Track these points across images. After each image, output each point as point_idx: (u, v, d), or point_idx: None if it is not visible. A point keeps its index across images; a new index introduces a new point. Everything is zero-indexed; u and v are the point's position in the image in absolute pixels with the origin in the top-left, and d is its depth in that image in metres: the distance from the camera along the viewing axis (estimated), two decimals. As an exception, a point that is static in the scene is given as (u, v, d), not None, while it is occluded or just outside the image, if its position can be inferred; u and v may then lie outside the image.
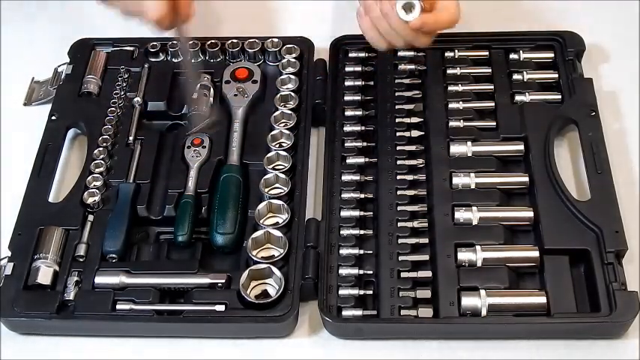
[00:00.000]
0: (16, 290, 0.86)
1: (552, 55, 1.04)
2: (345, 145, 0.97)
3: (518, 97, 1.00)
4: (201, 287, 0.86)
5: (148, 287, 0.86)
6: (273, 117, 0.99)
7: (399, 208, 0.92)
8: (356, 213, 0.92)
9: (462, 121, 0.98)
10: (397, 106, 1.00)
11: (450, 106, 1.00)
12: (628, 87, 1.04)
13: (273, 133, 0.97)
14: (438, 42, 1.04)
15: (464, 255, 0.87)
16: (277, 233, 0.89)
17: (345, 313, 0.85)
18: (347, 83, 1.03)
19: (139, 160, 0.97)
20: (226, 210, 0.91)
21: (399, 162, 0.95)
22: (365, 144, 0.98)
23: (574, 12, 1.12)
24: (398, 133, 0.98)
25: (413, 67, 1.04)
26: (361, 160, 0.96)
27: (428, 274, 0.87)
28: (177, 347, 0.86)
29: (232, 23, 1.14)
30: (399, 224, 0.90)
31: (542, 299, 0.84)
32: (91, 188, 0.94)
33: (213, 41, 1.07)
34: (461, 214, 0.90)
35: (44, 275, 0.86)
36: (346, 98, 1.02)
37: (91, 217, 0.92)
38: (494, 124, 0.98)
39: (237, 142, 0.97)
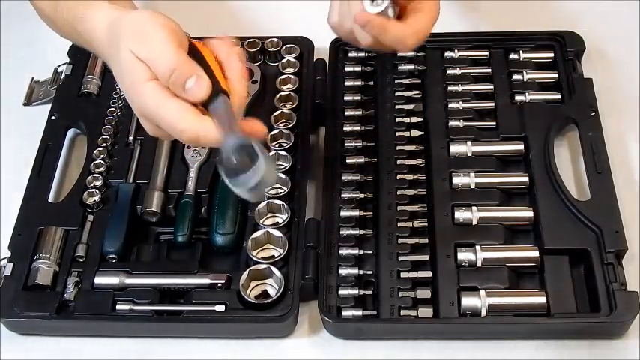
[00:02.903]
0: (16, 290, 0.86)
1: (552, 55, 1.04)
2: (345, 145, 0.97)
3: (518, 97, 1.00)
4: (201, 287, 0.86)
5: (147, 287, 0.86)
6: (273, 117, 0.99)
7: (399, 208, 0.92)
8: (356, 213, 0.92)
9: (461, 121, 0.98)
10: (397, 106, 1.00)
11: (450, 106, 1.00)
12: (628, 87, 1.04)
13: (273, 133, 0.97)
14: (438, 42, 1.05)
15: (464, 255, 0.87)
16: (277, 233, 0.89)
17: (345, 313, 0.85)
18: (347, 83, 1.03)
19: (139, 160, 0.97)
20: (226, 210, 0.91)
21: (398, 162, 0.95)
22: (365, 144, 0.97)
23: (574, 12, 1.11)
24: (398, 133, 0.98)
25: (413, 67, 1.04)
26: (361, 160, 0.96)
27: (428, 274, 0.87)
28: (177, 347, 0.86)
29: (232, 23, 1.14)
30: (399, 224, 0.90)
31: (542, 299, 0.84)
32: (91, 188, 0.94)
33: (213, 41, 1.07)
34: (461, 214, 0.90)
35: (44, 275, 0.86)
36: (346, 98, 1.02)
37: (90, 217, 0.92)
38: (494, 124, 0.98)
39: (237, 142, 0.97)
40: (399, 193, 0.93)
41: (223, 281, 0.86)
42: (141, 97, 0.72)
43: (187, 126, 0.71)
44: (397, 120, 0.99)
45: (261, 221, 0.90)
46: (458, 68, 1.03)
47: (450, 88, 1.02)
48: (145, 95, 0.71)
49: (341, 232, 0.90)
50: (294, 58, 1.06)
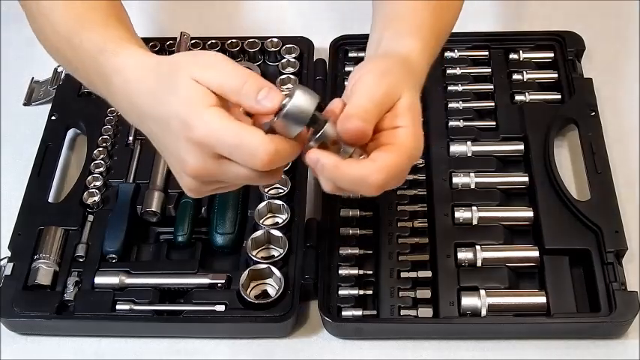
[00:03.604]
0: (16, 290, 0.86)
1: (552, 55, 1.04)
2: (345, 145, 0.97)
3: (518, 97, 1.00)
4: (201, 287, 0.86)
5: (147, 287, 0.86)
6: (273, 117, 0.99)
7: (399, 207, 0.92)
8: (356, 213, 0.92)
9: (461, 120, 0.98)
10: (397, 106, 1.00)
11: (450, 105, 1.00)
12: (628, 87, 1.04)
13: (273, 133, 0.97)
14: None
15: (464, 255, 0.87)
16: (277, 233, 0.88)
17: (345, 313, 0.85)
18: (347, 83, 1.03)
19: (139, 160, 0.97)
20: (226, 210, 0.91)
21: (399, 162, 0.95)
22: (365, 144, 0.97)
23: (574, 12, 1.12)
24: (398, 133, 0.98)
25: (413, 67, 1.04)
26: (361, 160, 0.96)
27: (428, 274, 0.87)
28: (177, 347, 0.86)
29: (232, 23, 1.14)
30: (399, 224, 0.90)
31: (542, 299, 0.84)
32: (91, 188, 0.94)
33: (213, 41, 1.07)
34: (461, 214, 0.90)
35: (44, 275, 0.86)
36: (346, 98, 1.01)
37: (90, 217, 0.92)
38: (494, 124, 0.98)
39: (237, 142, 0.97)
40: (399, 193, 0.93)
41: (223, 281, 0.86)
42: (203, 121, 0.64)
43: (264, 142, 0.64)
44: (397, 120, 0.99)
45: (261, 221, 0.90)
46: (458, 68, 1.03)
47: (450, 88, 1.02)
48: (210, 119, 0.64)
49: (341, 232, 0.90)
50: (294, 58, 1.06)
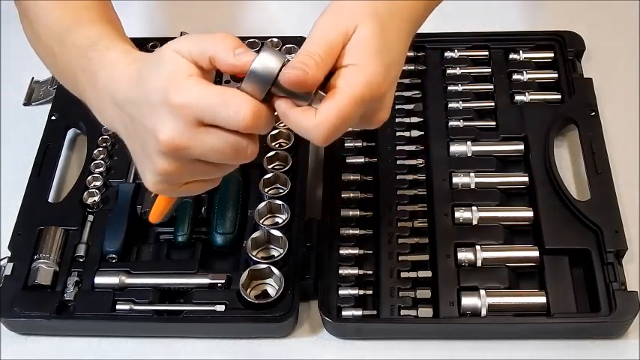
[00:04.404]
0: (16, 290, 0.86)
1: (552, 55, 1.04)
2: (345, 145, 0.97)
3: (518, 97, 1.00)
4: (201, 287, 0.86)
5: (147, 287, 0.86)
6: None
7: (399, 207, 0.92)
8: (356, 213, 0.92)
9: (461, 120, 0.98)
10: (397, 106, 1.00)
11: (450, 105, 1.00)
12: (628, 87, 1.04)
13: (273, 133, 0.97)
14: (438, 42, 1.05)
15: (464, 255, 0.87)
16: (277, 233, 0.88)
17: (345, 313, 0.85)
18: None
19: (139, 160, 0.97)
20: (226, 210, 0.91)
21: (398, 162, 0.95)
22: (365, 144, 0.97)
23: (574, 12, 1.12)
24: (398, 133, 0.98)
25: (412, 67, 1.04)
26: (361, 160, 0.96)
27: (428, 274, 0.87)
28: (177, 347, 0.86)
29: (232, 23, 1.14)
30: (399, 224, 0.90)
31: (542, 299, 0.84)
32: (91, 188, 0.94)
33: (213, 41, 1.07)
34: (461, 214, 0.90)
35: (44, 275, 0.86)
36: (346, 98, 1.01)
37: (90, 217, 0.92)
38: (494, 124, 0.98)
39: (237, 142, 0.97)
40: (399, 193, 0.93)
41: (223, 281, 0.86)
42: (183, 88, 0.63)
43: (249, 100, 0.63)
44: (397, 120, 0.99)
45: (261, 221, 0.90)
46: (458, 68, 1.03)
47: (450, 88, 1.02)
48: (191, 85, 0.63)
49: (341, 232, 0.90)
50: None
